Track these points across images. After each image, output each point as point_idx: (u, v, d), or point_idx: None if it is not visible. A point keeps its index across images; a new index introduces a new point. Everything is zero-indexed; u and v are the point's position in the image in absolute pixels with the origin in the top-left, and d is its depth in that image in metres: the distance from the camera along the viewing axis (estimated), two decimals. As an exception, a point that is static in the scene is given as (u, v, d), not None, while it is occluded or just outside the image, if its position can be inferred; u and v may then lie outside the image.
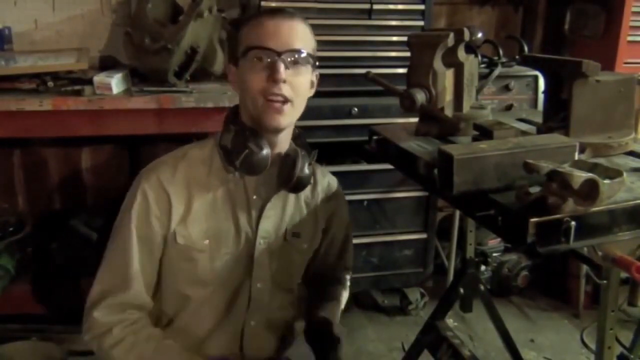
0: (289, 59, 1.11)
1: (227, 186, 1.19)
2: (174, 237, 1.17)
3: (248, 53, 1.11)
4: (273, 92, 1.11)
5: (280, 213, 1.25)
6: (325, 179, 1.35)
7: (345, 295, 1.43)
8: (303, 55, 1.13)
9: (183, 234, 1.16)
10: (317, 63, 1.19)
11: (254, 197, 1.21)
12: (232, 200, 1.20)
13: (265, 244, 1.22)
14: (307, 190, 1.28)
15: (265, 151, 1.14)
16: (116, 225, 1.19)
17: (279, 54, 1.10)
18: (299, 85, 1.14)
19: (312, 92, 1.21)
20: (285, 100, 1.12)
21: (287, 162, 1.20)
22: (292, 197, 1.26)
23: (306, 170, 1.20)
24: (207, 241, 1.18)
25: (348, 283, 1.45)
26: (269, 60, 1.10)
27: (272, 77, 1.10)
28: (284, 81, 1.10)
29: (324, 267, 1.41)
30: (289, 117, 1.15)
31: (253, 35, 1.12)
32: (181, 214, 1.16)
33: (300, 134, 1.27)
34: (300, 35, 1.14)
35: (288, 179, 1.19)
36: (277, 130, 1.16)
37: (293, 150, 1.22)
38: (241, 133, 1.16)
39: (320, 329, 1.21)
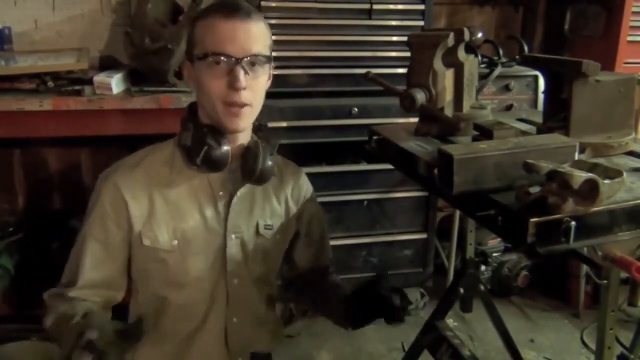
0: (247, 64, 1.11)
1: (191, 184, 1.20)
2: (139, 239, 1.18)
3: (206, 58, 1.10)
4: (233, 101, 1.11)
5: (249, 206, 1.25)
6: (289, 167, 1.35)
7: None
8: (261, 58, 1.12)
9: (148, 235, 1.18)
10: (273, 56, 1.19)
11: (220, 192, 1.21)
12: (198, 198, 1.20)
13: (237, 239, 1.23)
14: (275, 181, 1.29)
15: (225, 147, 1.15)
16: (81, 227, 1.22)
17: (238, 60, 1.09)
18: (257, 87, 1.15)
19: (268, 84, 1.21)
20: (245, 105, 1.13)
21: (249, 155, 1.19)
22: (259, 189, 1.26)
23: (269, 162, 1.20)
24: (175, 241, 1.18)
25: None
26: (227, 67, 1.10)
27: (233, 85, 1.10)
28: (244, 88, 1.10)
29: (309, 257, 1.40)
30: (247, 119, 1.16)
31: (209, 38, 1.11)
32: (145, 216, 1.17)
33: (260, 125, 1.27)
34: (257, 38, 1.12)
35: (251, 171, 1.19)
36: (237, 132, 1.18)
37: (254, 142, 1.21)
38: (199, 131, 1.16)
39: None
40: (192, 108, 1.23)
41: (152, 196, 1.18)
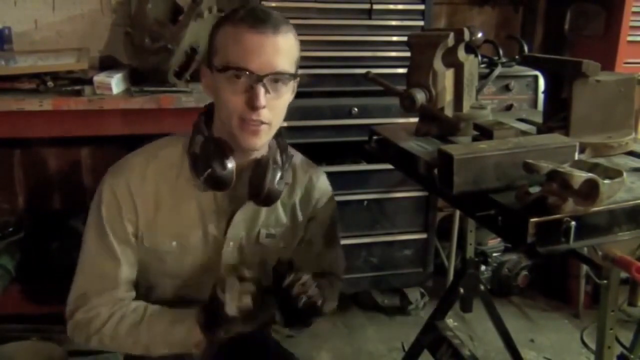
0: (269, 82, 1.04)
1: (196, 193, 1.16)
2: (141, 239, 1.17)
3: (226, 71, 1.04)
4: (251, 119, 1.05)
5: (252, 217, 1.22)
6: (307, 175, 1.29)
7: (332, 293, 1.35)
8: (285, 75, 1.06)
9: (150, 236, 1.17)
10: (298, 72, 1.13)
11: (224, 205, 1.19)
12: (201, 207, 1.18)
13: (234, 247, 1.21)
14: (285, 190, 1.23)
15: (230, 167, 1.11)
16: (89, 226, 1.18)
17: (260, 78, 1.03)
18: (279, 107, 1.09)
19: (292, 98, 1.15)
20: (262, 123, 1.07)
21: (258, 173, 1.14)
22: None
23: (276, 185, 1.15)
24: (174, 243, 1.17)
25: (336, 291, 1.39)
26: (248, 83, 1.04)
27: (251, 104, 1.04)
28: (263, 107, 1.05)
29: (305, 262, 1.33)
30: (265, 137, 1.11)
31: (231, 49, 1.04)
32: (149, 219, 1.16)
33: (280, 133, 1.21)
34: (283, 54, 1.05)
35: (257, 194, 1.14)
36: (253, 150, 1.13)
37: (265, 160, 1.15)
38: (207, 146, 1.12)
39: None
40: (210, 109, 1.18)
41: (159, 200, 1.16)
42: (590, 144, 1.22)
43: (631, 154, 1.25)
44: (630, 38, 2.29)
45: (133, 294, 1.21)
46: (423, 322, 1.83)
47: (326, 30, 2.10)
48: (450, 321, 2.33)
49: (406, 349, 2.12)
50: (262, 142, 1.11)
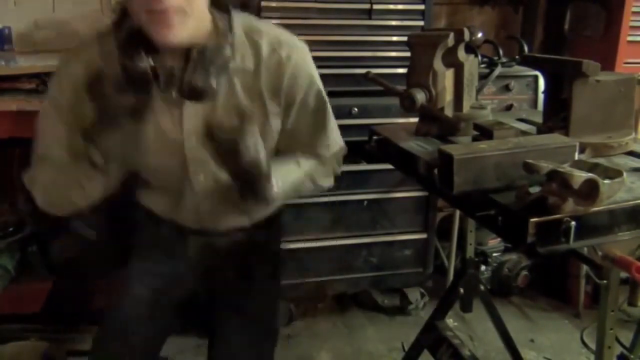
0: None
1: None
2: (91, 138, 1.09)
3: None
4: (153, 9, 0.92)
5: (208, 106, 1.09)
6: (274, 56, 1.13)
7: (314, 166, 1.27)
8: None
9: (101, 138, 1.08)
10: None
11: (172, 94, 1.05)
12: (146, 100, 1.05)
13: (196, 142, 1.10)
14: (247, 76, 1.11)
15: (141, 66, 0.97)
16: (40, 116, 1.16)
17: None
18: None
19: None
20: (169, 10, 0.93)
21: (189, 66, 1.00)
22: (221, 87, 1.07)
23: (199, 83, 1.00)
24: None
25: (328, 157, 1.31)
26: None
27: None
28: None
29: (293, 147, 1.26)
30: (183, 30, 0.96)
31: None
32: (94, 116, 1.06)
33: (228, 9, 1.06)
34: None
35: (180, 90, 1.02)
36: (172, 46, 0.98)
37: (197, 52, 1.00)
38: (122, 41, 1.00)
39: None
40: None
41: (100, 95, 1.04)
42: (590, 144, 1.22)
43: (631, 154, 1.25)
44: (630, 38, 2.29)
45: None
46: (423, 322, 1.83)
47: (326, 30, 2.10)
48: (450, 321, 2.33)
49: (406, 349, 2.12)
50: (180, 35, 0.97)
